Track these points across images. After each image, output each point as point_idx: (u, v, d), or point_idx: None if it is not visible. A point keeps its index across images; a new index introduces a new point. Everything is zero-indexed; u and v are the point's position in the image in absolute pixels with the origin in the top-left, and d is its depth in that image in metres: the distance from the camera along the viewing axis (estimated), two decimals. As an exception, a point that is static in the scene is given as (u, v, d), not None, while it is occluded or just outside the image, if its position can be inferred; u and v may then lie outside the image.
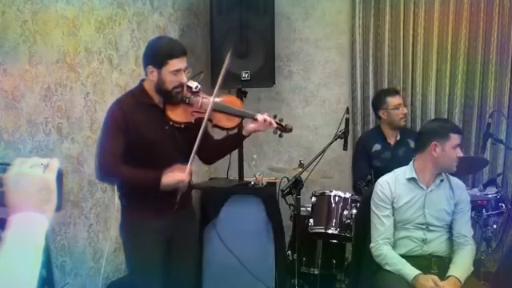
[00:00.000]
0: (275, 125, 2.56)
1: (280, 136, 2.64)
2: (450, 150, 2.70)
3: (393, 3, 4.22)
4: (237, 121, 2.57)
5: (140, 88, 2.54)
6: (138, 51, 3.51)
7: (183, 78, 2.44)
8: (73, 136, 2.98)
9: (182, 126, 2.50)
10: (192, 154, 2.41)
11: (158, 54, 2.44)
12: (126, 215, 2.57)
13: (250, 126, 2.57)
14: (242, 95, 3.97)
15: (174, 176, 2.36)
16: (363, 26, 4.30)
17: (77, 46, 2.99)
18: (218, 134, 2.76)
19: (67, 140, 2.94)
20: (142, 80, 2.56)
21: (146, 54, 2.50)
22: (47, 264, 2.59)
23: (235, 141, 2.73)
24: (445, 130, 2.75)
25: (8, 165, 1.06)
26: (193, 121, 2.49)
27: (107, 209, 3.26)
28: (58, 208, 1.06)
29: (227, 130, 2.62)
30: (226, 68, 2.57)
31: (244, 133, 2.59)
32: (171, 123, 2.49)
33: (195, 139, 2.42)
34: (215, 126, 2.57)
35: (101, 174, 2.44)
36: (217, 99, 2.53)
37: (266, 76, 4.07)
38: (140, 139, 2.43)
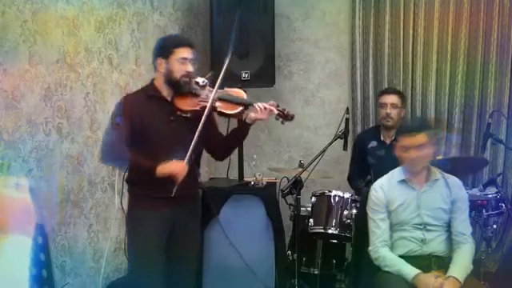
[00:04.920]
0: (275, 111, 2.67)
1: (282, 123, 2.75)
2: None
3: (393, 3, 4.22)
4: (239, 108, 2.66)
5: (150, 84, 2.73)
6: (138, 51, 3.52)
7: (189, 67, 2.60)
8: (73, 136, 2.98)
9: (189, 114, 2.61)
10: (192, 145, 2.49)
11: (165, 45, 2.65)
12: (131, 201, 2.68)
13: (251, 114, 2.67)
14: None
15: (169, 168, 2.47)
16: (363, 26, 4.31)
17: (77, 46, 2.99)
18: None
19: (67, 140, 2.94)
20: (153, 79, 2.70)
21: (155, 48, 2.68)
22: (47, 264, 2.59)
23: (241, 130, 2.78)
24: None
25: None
26: (198, 108, 2.59)
27: (107, 209, 3.26)
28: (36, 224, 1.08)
29: (231, 116, 2.72)
30: (226, 67, 2.68)
31: (248, 120, 2.69)
32: (178, 113, 2.61)
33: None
34: (219, 113, 2.68)
35: (102, 153, 2.63)
36: (220, 90, 2.67)
37: (266, 76, 4.07)
38: (144, 128, 2.55)
